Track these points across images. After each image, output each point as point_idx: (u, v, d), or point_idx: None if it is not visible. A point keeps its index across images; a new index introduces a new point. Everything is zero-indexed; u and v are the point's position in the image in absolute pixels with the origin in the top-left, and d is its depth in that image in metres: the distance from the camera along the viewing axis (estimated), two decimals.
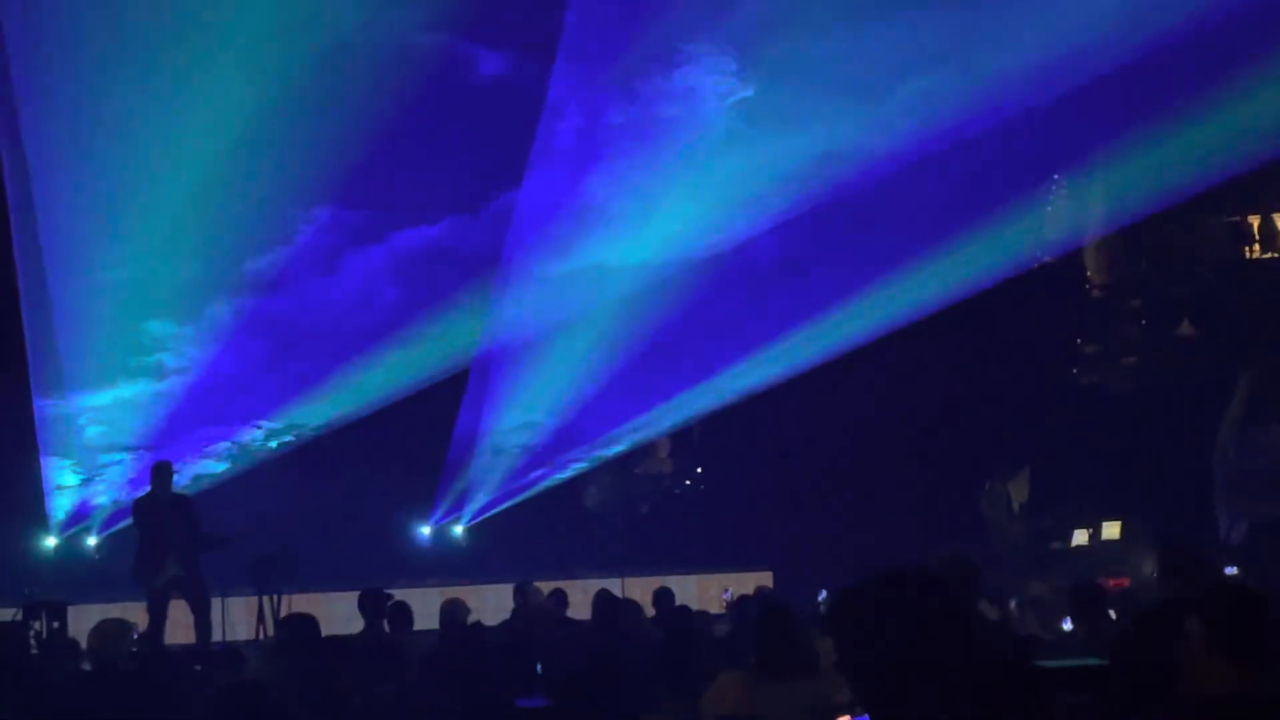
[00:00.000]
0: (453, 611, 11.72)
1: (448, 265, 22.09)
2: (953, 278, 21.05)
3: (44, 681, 10.16)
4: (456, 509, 22.08)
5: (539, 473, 22.58)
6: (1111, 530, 20.11)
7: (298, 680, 6.33)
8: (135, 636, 11.05)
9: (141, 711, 7.47)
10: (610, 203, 22.45)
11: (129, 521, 15.44)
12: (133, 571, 14.71)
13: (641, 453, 23.50)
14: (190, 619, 14.63)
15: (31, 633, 13.19)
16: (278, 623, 11.61)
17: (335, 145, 20.37)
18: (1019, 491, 21.18)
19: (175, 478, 15.53)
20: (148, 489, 15.24)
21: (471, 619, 12.27)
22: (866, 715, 3.62)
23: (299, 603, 14.22)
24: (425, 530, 21.98)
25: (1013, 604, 12.70)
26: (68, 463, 20.56)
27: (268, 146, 20.07)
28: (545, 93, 21.73)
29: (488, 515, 22.04)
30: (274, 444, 21.71)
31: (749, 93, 22.15)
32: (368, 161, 20.74)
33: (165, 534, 14.57)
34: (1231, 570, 16.15)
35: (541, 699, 7.54)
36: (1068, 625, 9.72)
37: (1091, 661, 7.25)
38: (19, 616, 13.67)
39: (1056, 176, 23.14)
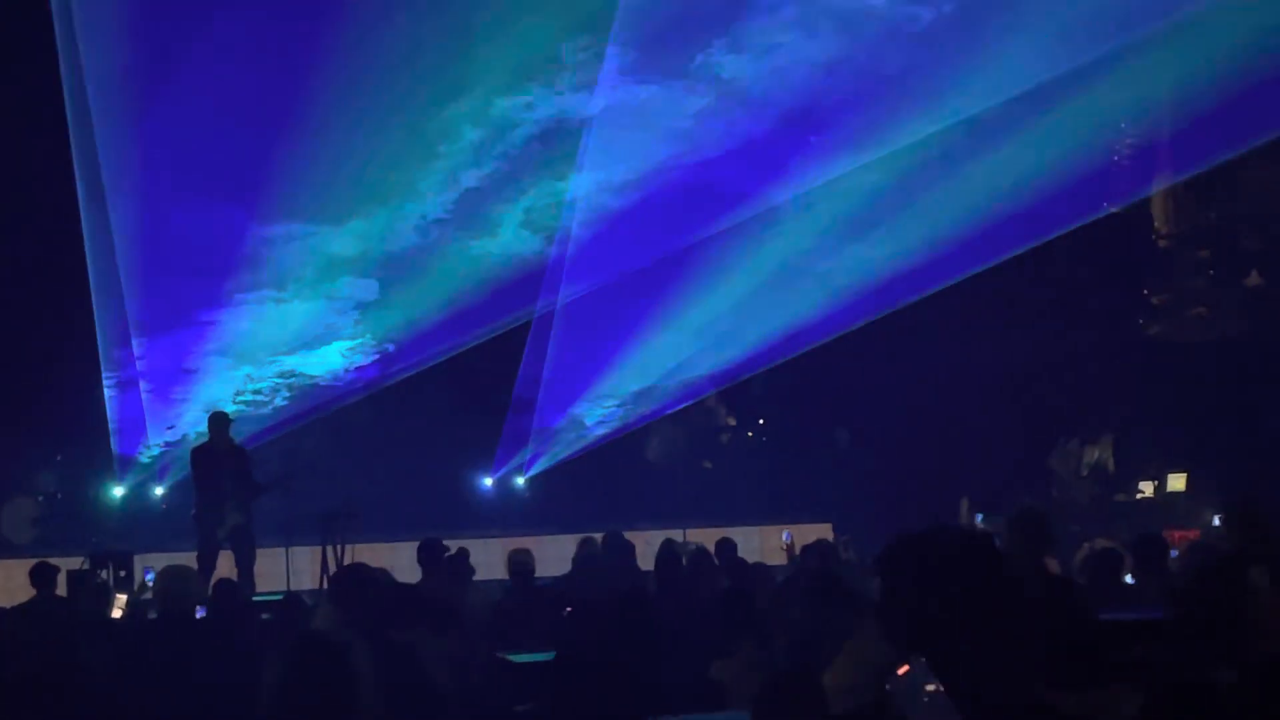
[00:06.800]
0: (522, 561, 11.69)
1: (511, 205, 22.02)
2: (1019, 229, 20.84)
3: (113, 630, 10.28)
4: (518, 460, 22.15)
5: (600, 425, 22.61)
6: (1177, 482, 19.93)
7: (354, 630, 6.38)
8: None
9: (214, 657, 7.55)
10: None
11: (190, 471, 15.46)
12: (195, 521, 14.76)
13: (703, 405, 23.47)
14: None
15: (98, 582, 13.29)
16: (332, 574, 11.60)
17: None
18: (1100, 455, 20.96)
19: (234, 426, 15.53)
20: (206, 439, 15.30)
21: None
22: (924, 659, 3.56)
23: (362, 552, 14.29)
24: (488, 481, 22.09)
25: (1077, 557, 12.61)
26: (134, 412, 20.67)
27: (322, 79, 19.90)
28: None
29: (549, 467, 22.12)
30: (339, 388, 21.76)
31: None
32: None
33: (224, 484, 14.67)
34: None
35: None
36: (1130, 579, 9.64)
37: (1153, 615, 7.20)
38: (86, 565, 13.79)
39: (1124, 125, 22.84)
